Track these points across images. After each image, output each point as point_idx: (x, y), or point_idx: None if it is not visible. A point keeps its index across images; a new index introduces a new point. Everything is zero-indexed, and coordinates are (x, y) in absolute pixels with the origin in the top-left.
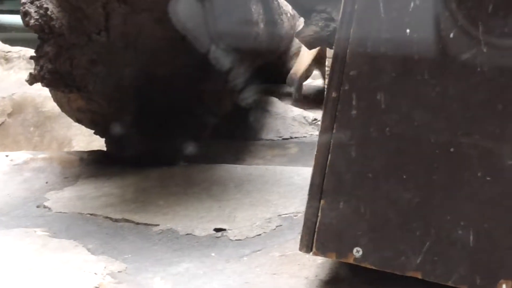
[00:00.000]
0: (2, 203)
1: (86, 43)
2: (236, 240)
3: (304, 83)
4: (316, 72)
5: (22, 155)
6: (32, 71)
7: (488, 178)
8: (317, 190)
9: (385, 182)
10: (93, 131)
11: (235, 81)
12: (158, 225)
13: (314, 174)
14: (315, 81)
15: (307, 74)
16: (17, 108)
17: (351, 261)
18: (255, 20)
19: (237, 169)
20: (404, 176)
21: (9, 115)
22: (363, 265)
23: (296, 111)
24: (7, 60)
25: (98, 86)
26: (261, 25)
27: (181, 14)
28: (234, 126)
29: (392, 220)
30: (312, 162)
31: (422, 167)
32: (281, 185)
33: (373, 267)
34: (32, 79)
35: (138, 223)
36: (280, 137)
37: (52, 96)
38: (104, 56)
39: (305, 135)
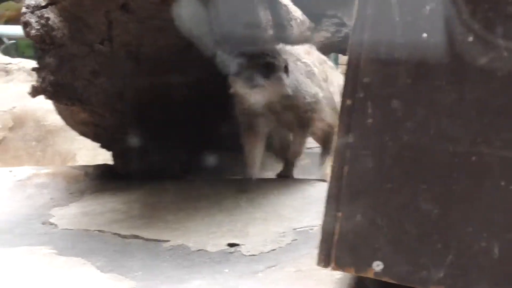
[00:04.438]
0: (5, 221)
1: (87, 54)
2: (249, 255)
3: None
4: None
5: (25, 171)
6: (33, 83)
7: (511, 187)
8: (334, 202)
9: (403, 193)
10: (98, 144)
11: None
12: (168, 241)
13: (330, 186)
14: None
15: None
16: (18, 122)
17: (371, 275)
18: (263, 26)
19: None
20: (422, 187)
21: (10, 129)
22: (383, 279)
23: None
24: (7, 72)
25: (100, 97)
26: (270, 31)
27: (186, 21)
28: None
29: (411, 233)
30: None
31: (441, 177)
32: (294, 198)
33: (394, 282)
34: (34, 92)
35: (147, 239)
36: None
37: (56, 109)
38: (106, 67)
39: (318, 146)
